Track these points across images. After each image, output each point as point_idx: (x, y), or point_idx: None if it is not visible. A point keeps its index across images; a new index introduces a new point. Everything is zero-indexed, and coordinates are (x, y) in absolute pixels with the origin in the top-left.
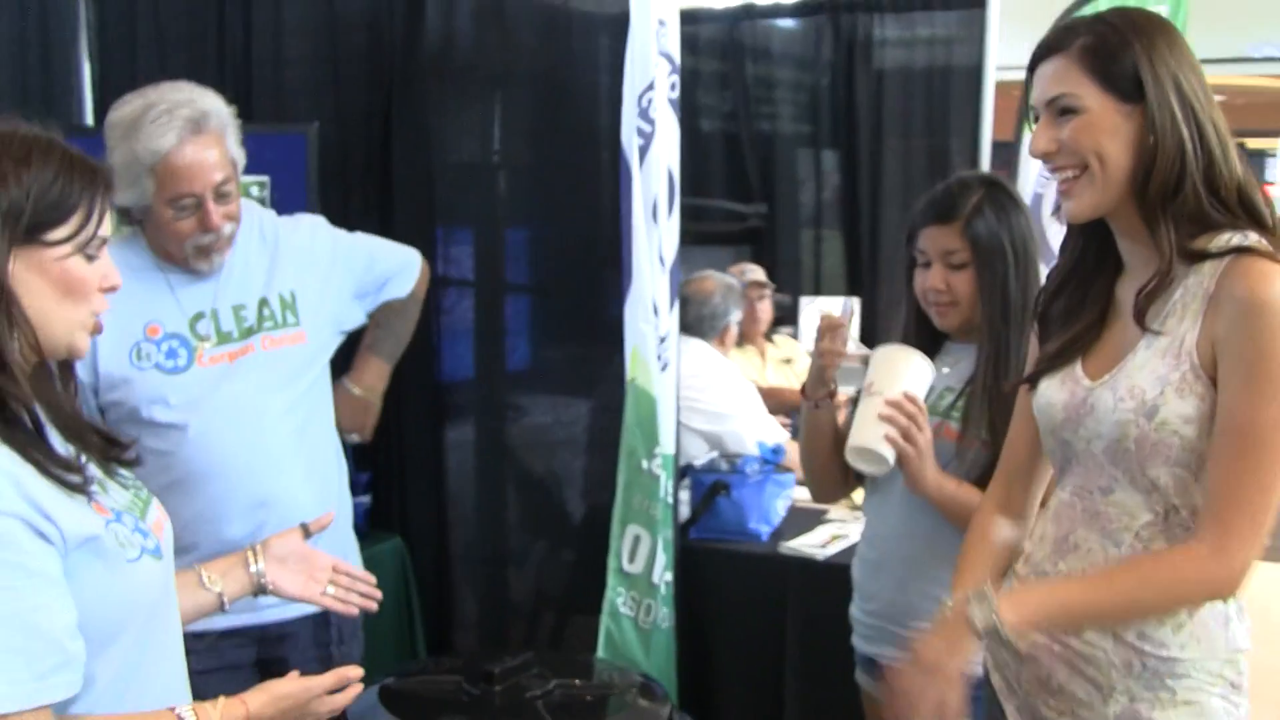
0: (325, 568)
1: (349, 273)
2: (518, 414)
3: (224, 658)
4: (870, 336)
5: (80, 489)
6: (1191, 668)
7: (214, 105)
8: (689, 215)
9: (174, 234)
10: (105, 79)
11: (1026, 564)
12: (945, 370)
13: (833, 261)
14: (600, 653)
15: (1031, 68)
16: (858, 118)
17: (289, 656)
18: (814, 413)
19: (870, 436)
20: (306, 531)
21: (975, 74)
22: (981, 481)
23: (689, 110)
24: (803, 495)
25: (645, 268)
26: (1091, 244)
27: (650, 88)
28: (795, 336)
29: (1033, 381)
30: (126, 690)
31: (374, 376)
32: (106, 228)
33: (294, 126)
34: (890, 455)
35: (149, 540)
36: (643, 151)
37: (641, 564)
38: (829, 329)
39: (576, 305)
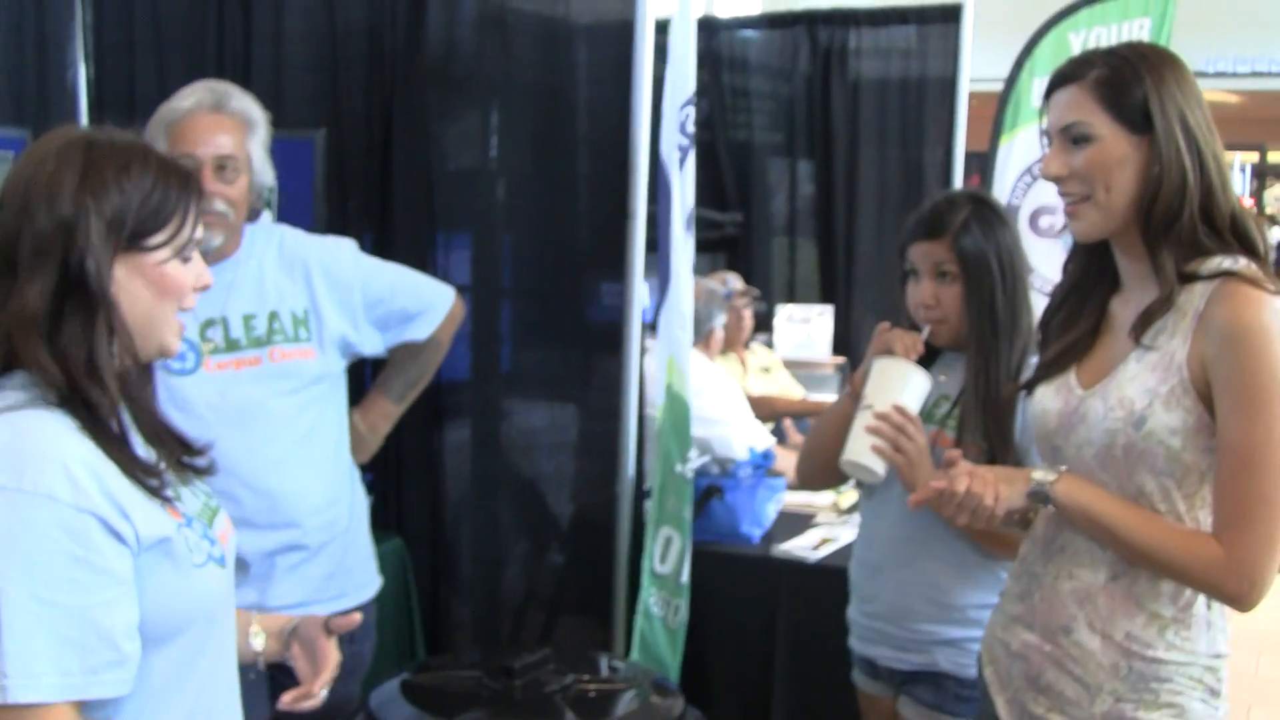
0: (332, 669)
1: (366, 300)
2: (513, 416)
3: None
4: (843, 345)
5: (158, 491)
6: (1175, 671)
7: (243, 97)
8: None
9: None
10: (101, 81)
11: (1021, 563)
12: (941, 378)
13: (807, 270)
14: (635, 654)
15: (1047, 95)
16: (833, 128)
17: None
18: (847, 402)
19: (858, 449)
20: (328, 629)
21: (949, 85)
22: None
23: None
24: (793, 499)
25: (683, 277)
26: (1094, 261)
27: (690, 101)
28: (770, 345)
29: (1029, 388)
30: (177, 692)
31: (378, 415)
32: (199, 230)
33: (301, 133)
34: (879, 466)
35: (215, 548)
36: (680, 163)
37: (671, 565)
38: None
39: (571, 310)
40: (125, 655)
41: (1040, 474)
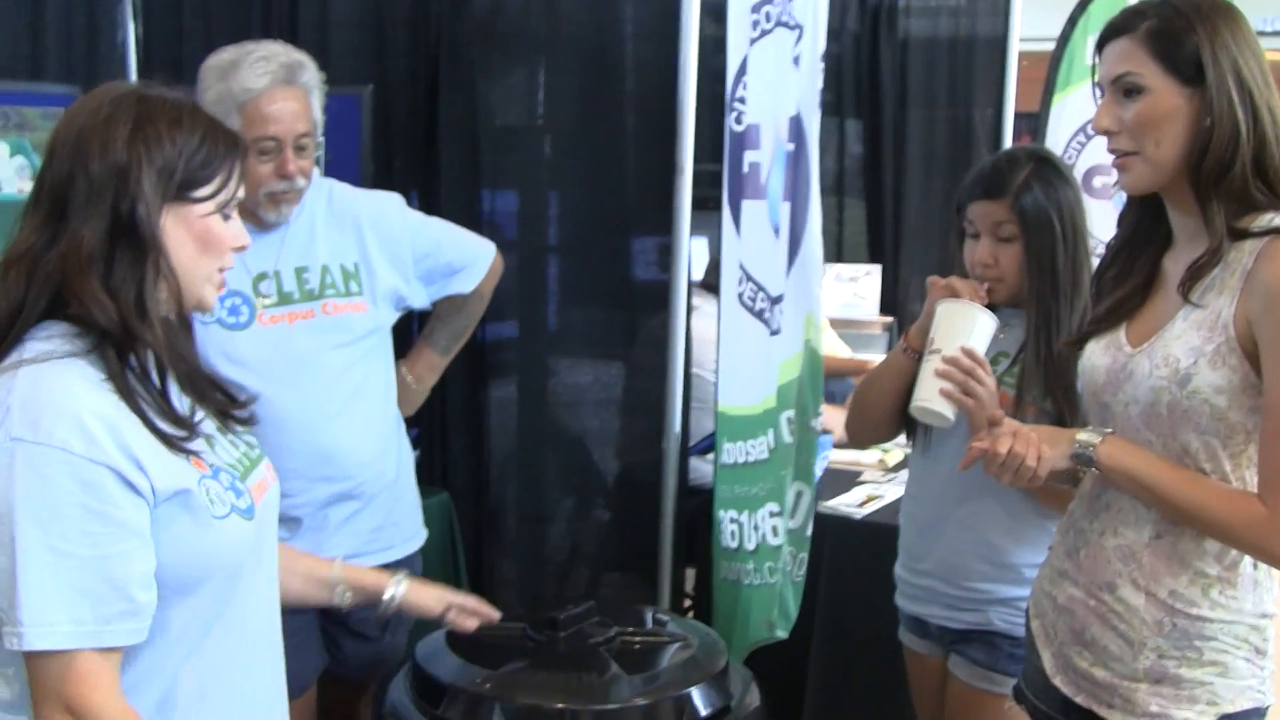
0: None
1: (414, 253)
2: (558, 373)
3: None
4: (890, 304)
5: (181, 444)
6: (1219, 630)
7: (306, 62)
8: (711, 182)
9: (252, 178)
10: (150, 40)
11: (1068, 519)
12: (1001, 336)
13: (854, 230)
14: (756, 624)
15: (1099, 47)
16: (881, 87)
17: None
18: (900, 355)
19: (928, 394)
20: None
21: (1000, 44)
22: None
23: (709, 78)
24: (839, 457)
25: (814, 234)
26: (1146, 215)
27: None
28: None
29: (1080, 343)
30: (197, 644)
31: (424, 367)
32: (241, 190)
33: (349, 89)
34: (949, 411)
35: (242, 500)
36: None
37: (800, 519)
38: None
39: (616, 268)
40: (139, 605)
41: (1084, 436)
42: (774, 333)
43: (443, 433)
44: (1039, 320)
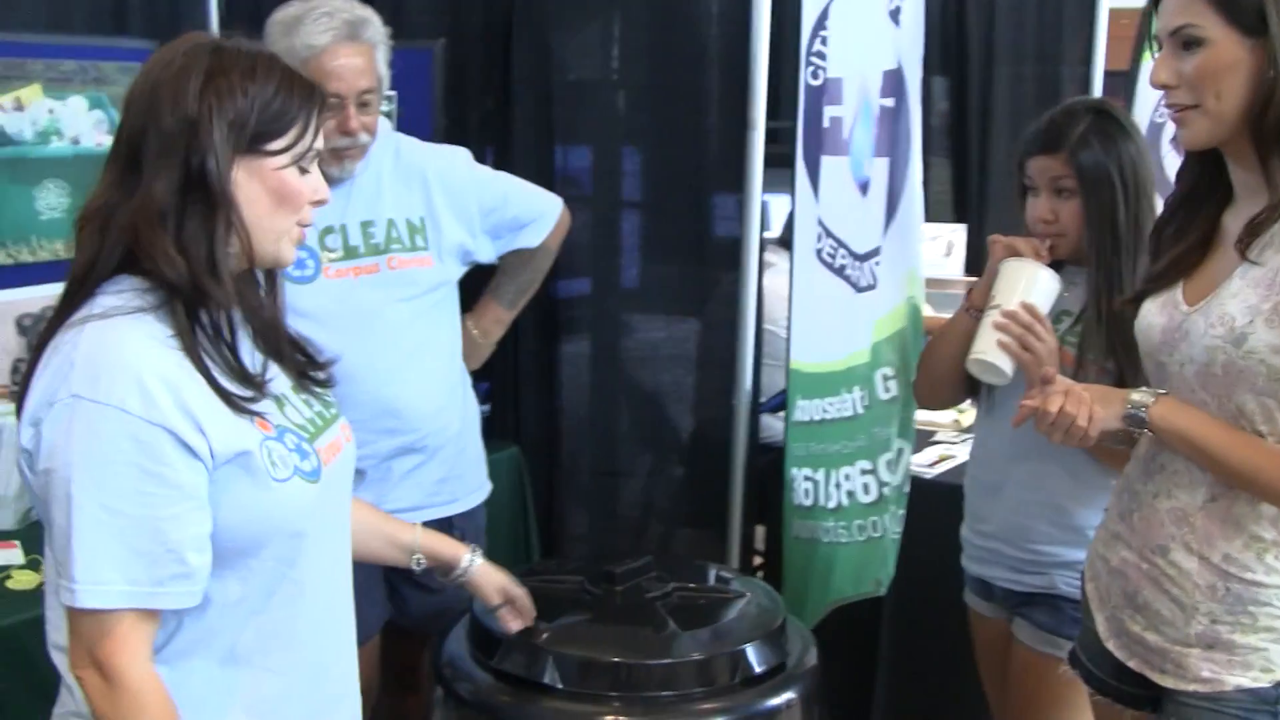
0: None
1: (481, 208)
2: (631, 329)
3: None
4: (976, 264)
5: (246, 404)
6: (1274, 595)
7: (371, 18)
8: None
9: None
10: None
11: (1124, 479)
12: (1064, 294)
13: (940, 189)
14: (839, 582)
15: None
16: (969, 44)
17: None
18: (964, 315)
19: (985, 346)
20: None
21: (1089, 1)
22: None
23: (796, 33)
24: (923, 416)
25: (917, 193)
26: (1206, 170)
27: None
28: None
29: (1137, 301)
30: (258, 607)
31: (490, 321)
32: (320, 141)
33: (420, 43)
34: (1005, 364)
35: (307, 462)
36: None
37: (900, 475)
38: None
39: (692, 224)
40: (193, 569)
41: (1138, 396)
42: (861, 289)
43: (515, 388)
44: (1100, 277)
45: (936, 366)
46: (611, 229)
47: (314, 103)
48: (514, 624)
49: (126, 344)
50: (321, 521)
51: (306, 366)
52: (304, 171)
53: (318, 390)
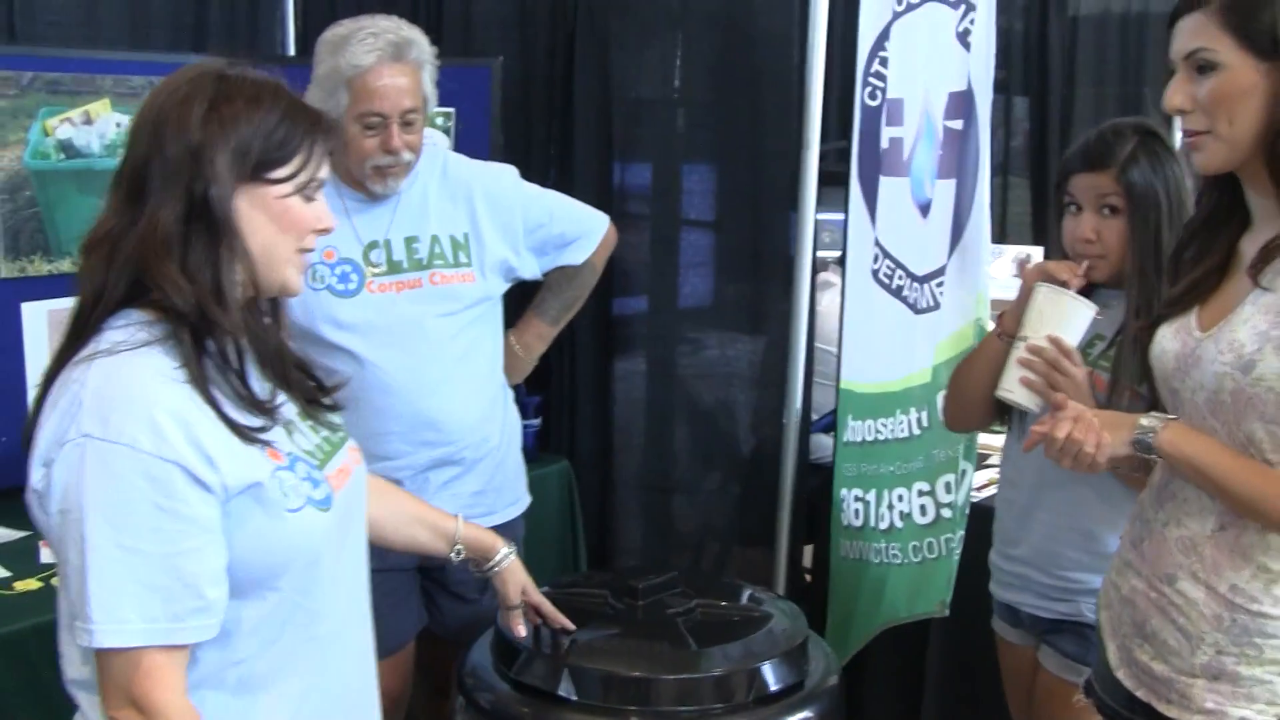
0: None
1: (526, 225)
2: (687, 347)
3: (386, 560)
4: None
5: (256, 434)
6: None
7: (417, 39)
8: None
9: (357, 151)
10: (308, 12)
11: (1138, 507)
12: (1099, 317)
13: (1019, 210)
14: (891, 603)
15: (1171, 22)
16: (1050, 64)
17: (448, 564)
18: (994, 339)
19: (1010, 383)
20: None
21: (1170, 21)
22: None
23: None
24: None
25: (984, 215)
26: (1224, 195)
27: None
28: None
29: (1154, 326)
30: (277, 635)
31: (533, 337)
32: (324, 170)
33: (480, 60)
34: (1031, 402)
35: (319, 490)
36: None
37: (963, 496)
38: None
39: (749, 243)
40: (210, 602)
41: (1147, 421)
42: (921, 310)
43: (570, 402)
44: (1140, 300)
45: (965, 390)
46: (669, 246)
47: (317, 132)
48: (520, 629)
49: (135, 380)
50: (335, 548)
51: (315, 393)
52: (309, 200)
53: (324, 415)
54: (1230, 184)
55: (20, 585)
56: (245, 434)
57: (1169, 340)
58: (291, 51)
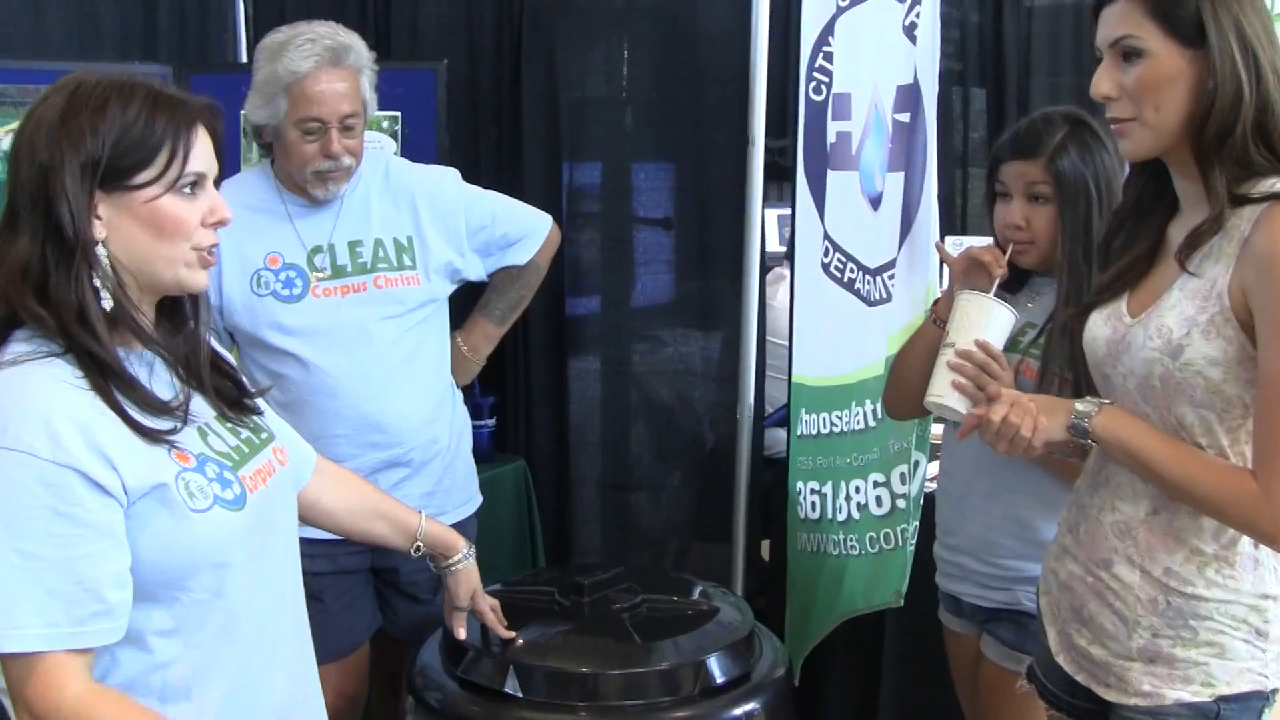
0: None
1: (469, 227)
2: (641, 344)
3: (338, 563)
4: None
5: (162, 436)
6: (1215, 609)
7: (355, 44)
8: None
9: (298, 156)
10: (258, 19)
11: (1074, 494)
12: (1030, 305)
13: (978, 201)
14: (849, 595)
15: (1097, 9)
16: (1006, 55)
17: (400, 566)
18: (930, 326)
19: (942, 388)
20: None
21: None
22: None
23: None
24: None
25: (931, 207)
26: (1151, 182)
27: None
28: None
29: (1084, 313)
30: (193, 637)
31: (480, 338)
32: (202, 162)
33: (425, 64)
34: (962, 406)
35: (229, 490)
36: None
37: (916, 487)
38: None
39: (700, 239)
40: (112, 605)
41: (1082, 406)
42: (874, 303)
43: (526, 403)
44: (1070, 287)
45: (905, 377)
46: (621, 245)
47: (182, 124)
48: (462, 630)
49: (33, 388)
50: (251, 549)
51: (235, 395)
52: (189, 195)
53: (247, 417)
54: (1158, 170)
55: None
56: (150, 435)
57: (1100, 326)
58: (244, 59)
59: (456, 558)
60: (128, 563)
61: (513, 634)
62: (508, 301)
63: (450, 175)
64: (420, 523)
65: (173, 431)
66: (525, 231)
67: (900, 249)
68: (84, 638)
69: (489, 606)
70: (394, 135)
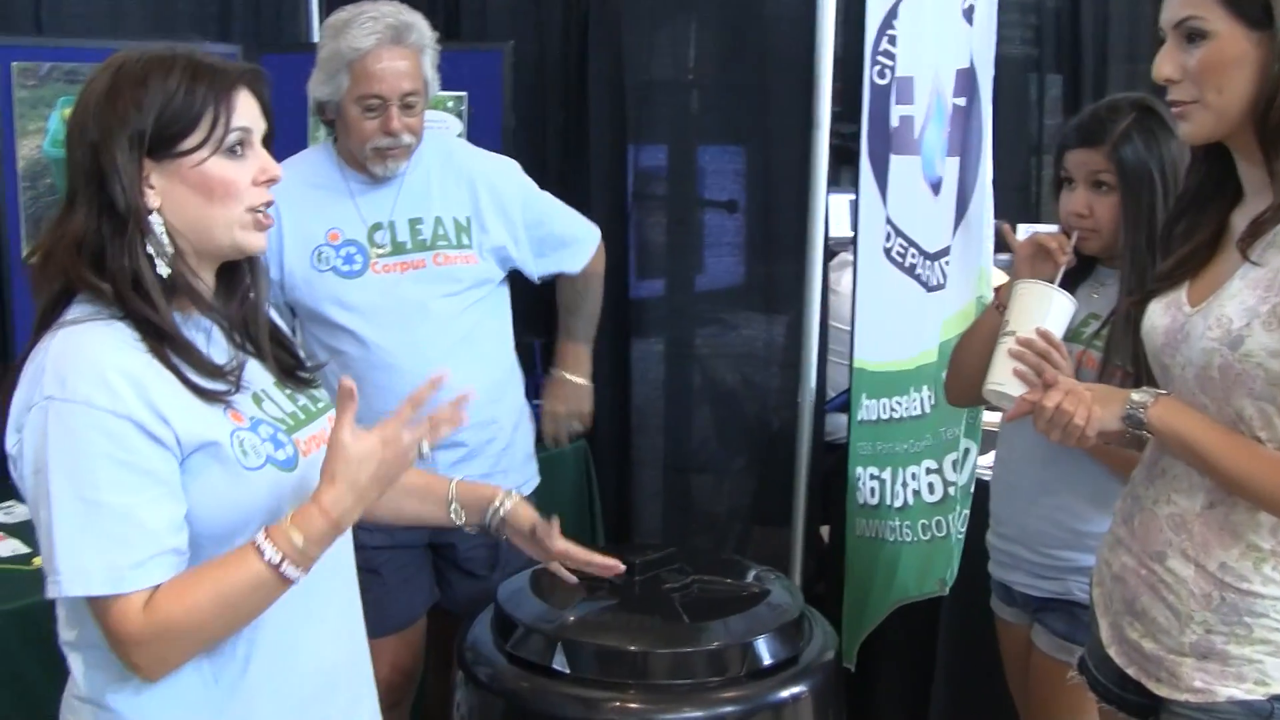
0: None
1: (525, 218)
2: (704, 328)
3: (396, 538)
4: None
5: (218, 396)
6: (1271, 607)
7: (418, 23)
8: None
9: (358, 133)
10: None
11: (1130, 484)
12: (1094, 296)
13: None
14: (903, 581)
15: None
16: (1083, 41)
17: (457, 542)
18: (993, 312)
19: (1002, 376)
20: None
21: None
22: None
23: None
24: (991, 417)
25: (987, 192)
26: (1215, 167)
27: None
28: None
29: (1144, 301)
30: None
31: (575, 362)
32: (249, 118)
33: (491, 44)
34: (1021, 394)
35: (282, 451)
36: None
37: (966, 475)
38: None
39: (765, 223)
40: (170, 548)
41: (1138, 396)
42: (932, 289)
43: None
44: (1132, 276)
45: (966, 364)
46: (686, 228)
47: (221, 89)
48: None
49: (88, 345)
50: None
51: (292, 366)
52: (238, 155)
53: (304, 386)
54: (1221, 157)
55: (38, 560)
56: (206, 395)
57: (1159, 315)
58: (315, 39)
59: (496, 503)
60: (184, 510)
61: (616, 561)
62: (584, 317)
63: (511, 164)
64: (451, 487)
65: (227, 393)
66: (577, 234)
67: (955, 234)
68: (145, 579)
69: (567, 546)
70: (460, 115)
